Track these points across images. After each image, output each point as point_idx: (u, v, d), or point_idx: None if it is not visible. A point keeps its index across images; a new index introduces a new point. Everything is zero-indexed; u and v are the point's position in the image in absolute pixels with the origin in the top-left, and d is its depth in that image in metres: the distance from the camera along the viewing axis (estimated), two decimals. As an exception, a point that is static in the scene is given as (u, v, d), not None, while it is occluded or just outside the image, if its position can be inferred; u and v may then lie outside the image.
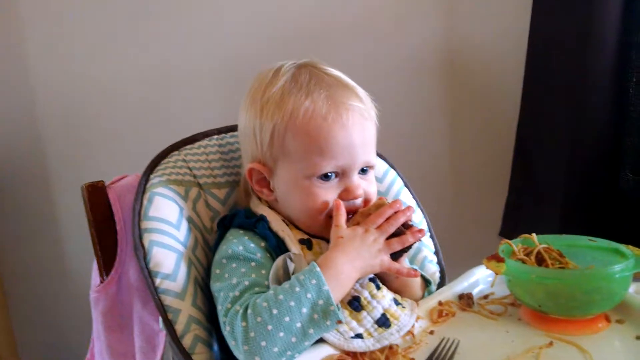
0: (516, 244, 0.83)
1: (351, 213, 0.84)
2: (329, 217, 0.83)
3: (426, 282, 0.94)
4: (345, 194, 0.84)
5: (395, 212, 0.81)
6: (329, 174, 0.83)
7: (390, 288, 0.85)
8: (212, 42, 1.63)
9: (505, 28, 1.56)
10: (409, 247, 0.81)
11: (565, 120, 1.37)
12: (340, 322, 0.72)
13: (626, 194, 1.36)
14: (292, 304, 0.71)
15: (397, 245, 0.80)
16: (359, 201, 0.85)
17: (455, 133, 1.66)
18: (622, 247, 0.80)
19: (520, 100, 1.49)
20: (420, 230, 0.82)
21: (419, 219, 1.05)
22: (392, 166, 1.07)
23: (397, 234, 0.81)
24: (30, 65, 1.65)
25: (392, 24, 1.60)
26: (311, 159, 0.81)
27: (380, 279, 0.84)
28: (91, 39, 1.63)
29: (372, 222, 0.80)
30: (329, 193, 0.83)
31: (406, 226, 0.82)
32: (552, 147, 1.42)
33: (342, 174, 0.84)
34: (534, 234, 0.84)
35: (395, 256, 0.81)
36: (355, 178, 0.85)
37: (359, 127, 0.83)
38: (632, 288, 0.79)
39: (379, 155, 1.04)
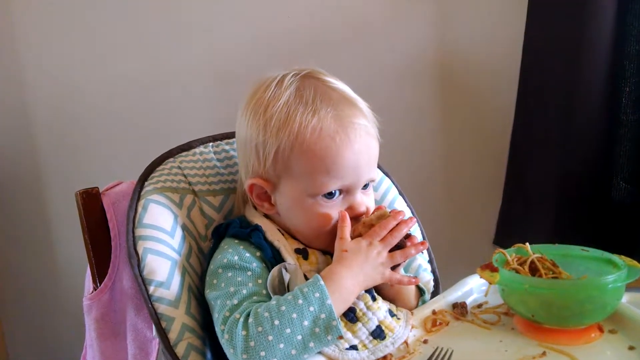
0: (510, 254, 0.83)
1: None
2: (332, 233, 0.82)
3: (420, 291, 0.94)
4: (350, 212, 0.83)
5: (398, 224, 0.81)
6: (334, 192, 0.82)
7: (384, 296, 0.85)
8: (207, 48, 1.62)
9: (499, 37, 1.57)
10: None
11: (559, 129, 1.38)
12: (341, 337, 0.72)
13: (619, 202, 1.36)
14: (294, 316, 0.71)
15: (400, 259, 0.80)
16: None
17: (449, 141, 1.66)
18: (615, 257, 0.80)
19: (514, 108, 1.50)
20: (423, 243, 0.83)
21: (413, 227, 1.05)
22: (387, 174, 1.07)
23: (398, 245, 0.81)
24: (23, 72, 1.64)
25: (384, 31, 1.61)
26: (317, 179, 0.81)
27: (375, 287, 0.83)
28: (85, 46, 1.62)
29: (376, 234, 0.80)
30: (333, 210, 0.83)
31: (406, 236, 0.82)
32: (545, 155, 1.43)
33: (346, 191, 0.83)
34: (527, 244, 0.84)
35: (394, 266, 0.81)
36: (359, 196, 0.84)
37: (365, 148, 0.82)
38: (625, 298, 0.79)
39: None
